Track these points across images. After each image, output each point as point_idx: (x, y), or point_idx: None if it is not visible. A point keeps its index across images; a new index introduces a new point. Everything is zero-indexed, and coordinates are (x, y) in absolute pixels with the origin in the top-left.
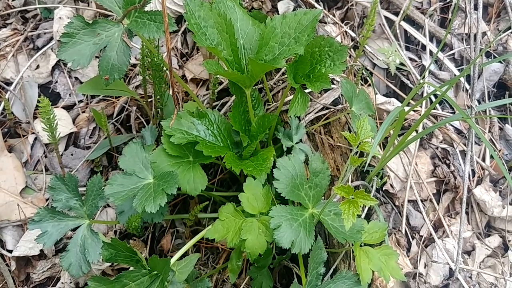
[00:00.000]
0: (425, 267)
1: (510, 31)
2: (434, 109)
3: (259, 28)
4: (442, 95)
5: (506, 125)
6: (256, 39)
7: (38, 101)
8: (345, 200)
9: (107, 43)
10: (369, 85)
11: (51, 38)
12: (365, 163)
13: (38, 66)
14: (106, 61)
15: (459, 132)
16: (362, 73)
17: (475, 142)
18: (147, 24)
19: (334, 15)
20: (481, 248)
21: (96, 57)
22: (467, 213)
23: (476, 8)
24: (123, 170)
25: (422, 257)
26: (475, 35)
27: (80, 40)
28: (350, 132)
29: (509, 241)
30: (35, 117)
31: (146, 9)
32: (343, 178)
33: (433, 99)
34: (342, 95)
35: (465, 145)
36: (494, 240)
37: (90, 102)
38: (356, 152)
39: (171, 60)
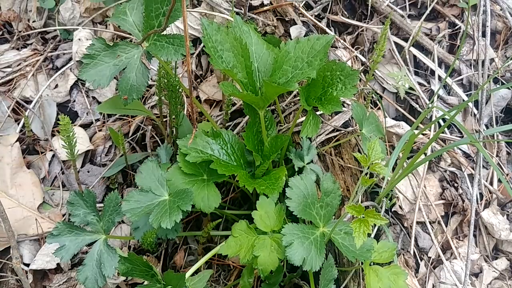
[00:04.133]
0: None
1: None
2: (443, 133)
3: (273, 52)
4: (450, 119)
5: None
6: (270, 62)
7: (57, 119)
8: (356, 219)
9: (126, 65)
10: (379, 108)
11: (70, 59)
12: (375, 184)
13: (57, 86)
14: (125, 81)
15: (467, 156)
16: (372, 97)
17: (483, 166)
18: (165, 47)
19: (345, 40)
20: (488, 270)
21: (114, 78)
22: (475, 235)
23: (484, 35)
24: (138, 187)
25: (430, 278)
26: (483, 61)
27: (101, 61)
28: (360, 153)
29: None
30: (53, 135)
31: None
32: (354, 198)
33: (442, 123)
34: (352, 117)
35: (473, 168)
36: (502, 263)
37: (107, 121)
38: (367, 173)
39: (192, 84)
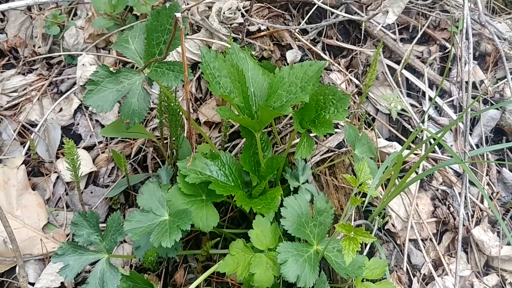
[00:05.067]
0: None
1: (506, 79)
2: (434, 152)
3: (268, 78)
4: (437, 140)
5: (504, 168)
6: (265, 87)
7: (62, 142)
8: (346, 237)
9: (129, 90)
10: (372, 129)
11: (74, 83)
12: (367, 203)
13: (61, 109)
14: (127, 106)
15: (458, 174)
16: (366, 118)
17: (474, 184)
18: (166, 73)
19: (339, 63)
20: (479, 286)
21: (117, 102)
22: (466, 252)
23: (466, 62)
24: (139, 208)
25: None
26: (467, 83)
27: (104, 87)
28: (353, 173)
29: (506, 279)
30: (57, 157)
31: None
32: (345, 216)
33: (433, 142)
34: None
35: None
36: (492, 279)
37: (110, 143)
38: (359, 193)
39: (189, 109)
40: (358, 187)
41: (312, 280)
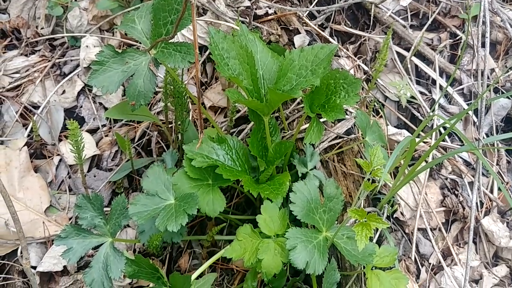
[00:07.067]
0: None
1: None
2: (444, 141)
3: (278, 60)
4: (451, 127)
5: None
6: (275, 70)
7: (64, 124)
8: (359, 223)
9: (134, 71)
10: (381, 116)
11: (78, 65)
12: (377, 190)
13: (64, 91)
14: (133, 88)
15: (467, 164)
16: (374, 105)
17: (483, 174)
18: (172, 54)
19: (347, 49)
20: (488, 277)
21: (122, 84)
22: (475, 242)
23: (483, 45)
24: (143, 192)
25: (431, 284)
26: (482, 71)
27: (109, 67)
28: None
29: None
30: (60, 140)
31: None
32: (356, 202)
33: (442, 131)
34: (354, 125)
35: (473, 176)
36: (501, 270)
37: (113, 127)
38: (369, 179)
39: (199, 86)
40: (371, 173)
41: (322, 267)
